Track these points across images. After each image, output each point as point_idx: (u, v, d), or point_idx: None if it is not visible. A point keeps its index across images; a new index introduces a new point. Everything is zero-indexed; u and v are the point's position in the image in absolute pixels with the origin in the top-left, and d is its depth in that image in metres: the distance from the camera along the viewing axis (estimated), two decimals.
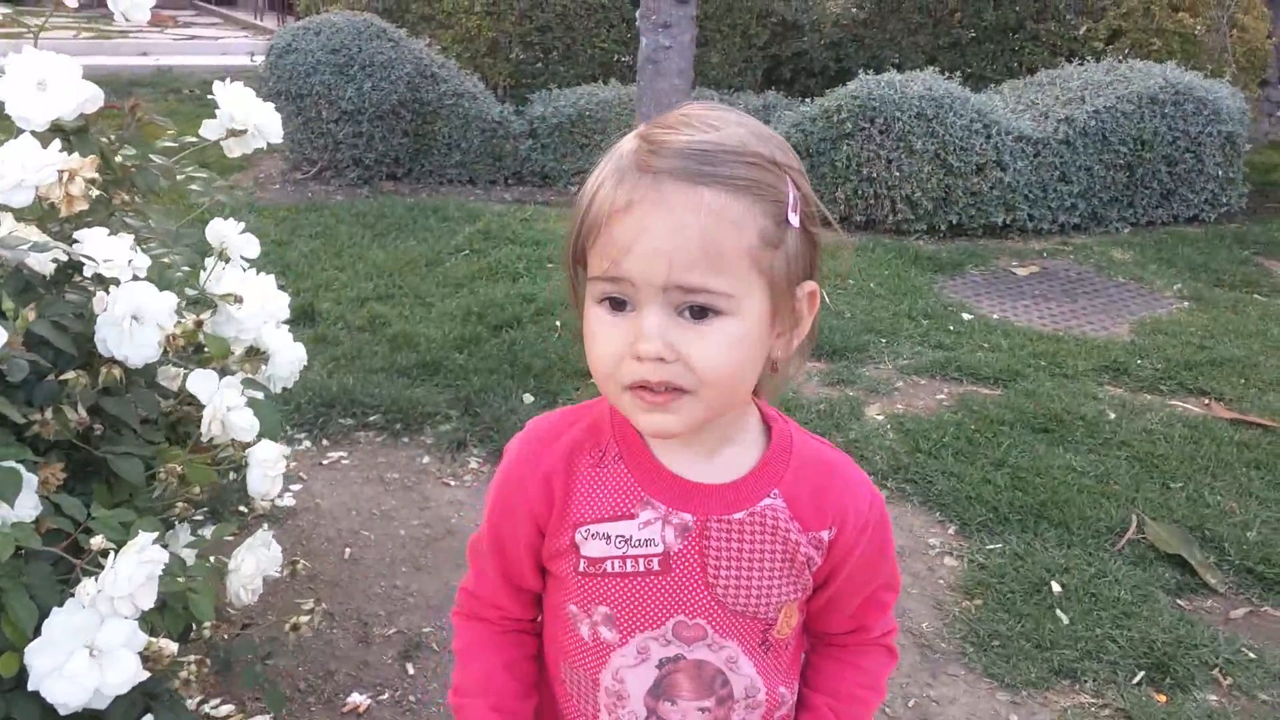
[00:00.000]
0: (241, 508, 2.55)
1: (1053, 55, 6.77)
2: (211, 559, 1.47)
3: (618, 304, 0.75)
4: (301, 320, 3.53)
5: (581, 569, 0.86)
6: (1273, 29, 7.03)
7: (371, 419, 2.92)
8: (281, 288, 4.03)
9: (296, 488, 2.57)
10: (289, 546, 2.32)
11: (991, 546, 2.41)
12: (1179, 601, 2.24)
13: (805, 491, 0.86)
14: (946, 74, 5.20)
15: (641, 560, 0.84)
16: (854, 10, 7.09)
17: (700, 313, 0.74)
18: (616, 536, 0.84)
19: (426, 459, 2.75)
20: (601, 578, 0.85)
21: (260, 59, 5.80)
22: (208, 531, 2.15)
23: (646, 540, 0.84)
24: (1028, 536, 2.44)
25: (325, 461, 2.71)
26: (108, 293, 1.18)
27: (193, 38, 12.21)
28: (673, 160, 0.73)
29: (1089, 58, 6.00)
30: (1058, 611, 2.15)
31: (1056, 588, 2.24)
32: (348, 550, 2.34)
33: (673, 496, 0.84)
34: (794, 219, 0.76)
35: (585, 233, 0.77)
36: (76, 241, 1.22)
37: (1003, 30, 6.91)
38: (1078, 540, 2.42)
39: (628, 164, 0.75)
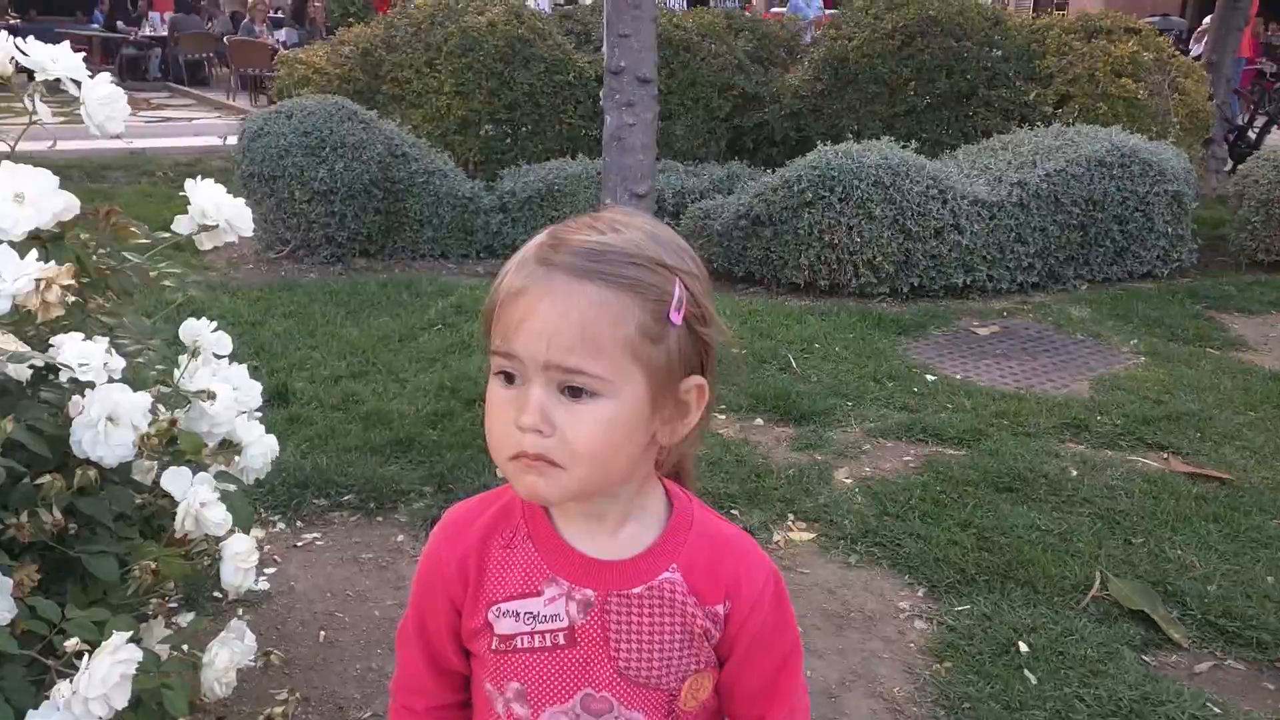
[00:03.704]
0: (216, 593, 2.55)
1: (1005, 120, 7.02)
2: (185, 647, 1.48)
3: (509, 378, 0.82)
4: (275, 401, 3.55)
5: (494, 647, 0.90)
6: (1212, 91, 7.33)
7: (345, 499, 2.93)
8: (255, 368, 4.06)
9: (271, 571, 2.58)
10: (264, 631, 2.32)
11: (960, 608, 2.45)
12: (1144, 658, 2.28)
13: (701, 566, 0.90)
14: (903, 141, 5.37)
15: (548, 635, 0.89)
16: (812, 82, 7.32)
17: (575, 393, 0.80)
18: (525, 613, 0.89)
19: (400, 537, 2.76)
20: (513, 654, 0.90)
21: (233, 140, 5.90)
22: (183, 619, 2.16)
23: (552, 615, 0.89)
24: (995, 597, 2.48)
25: (299, 543, 2.72)
26: (83, 395, 1.22)
27: (165, 120, 12.33)
28: (567, 256, 0.81)
29: (1039, 122, 6.22)
30: (1026, 672, 2.19)
31: (1024, 647, 2.27)
32: (323, 633, 2.34)
33: (575, 573, 0.89)
34: (675, 318, 0.82)
35: (489, 312, 0.84)
36: (52, 346, 1.26)
37: (956, 97, 7.16)
38: (1044, 599, 2.47)
39: (530, 256, 0.83)
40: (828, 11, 14.22)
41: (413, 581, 0.98)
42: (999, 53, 7.08)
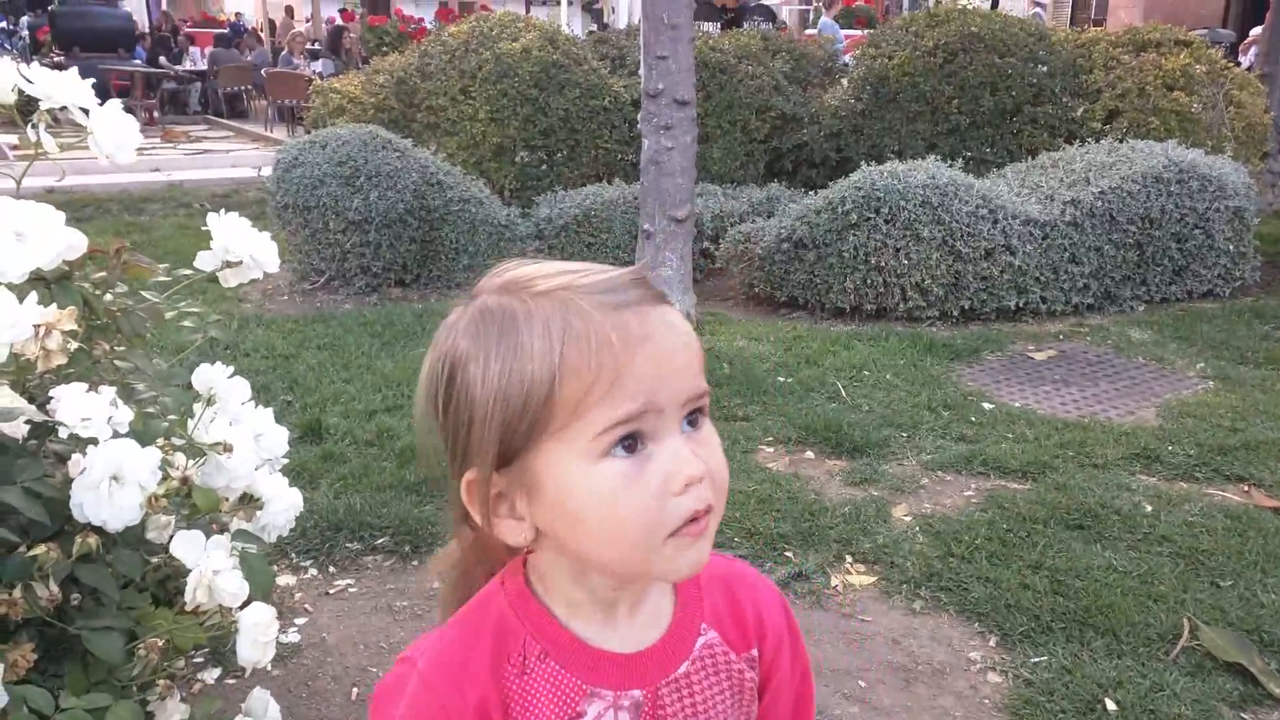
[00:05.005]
0: None
1: (1052, 137, 6.82)
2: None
3: (632, 447, 0.68)
4: (308, 437, 3.45)
5: None
6: (1269, 103, 7.08)
7: (380, 541, 2.81)
8: (288, 403, 3.93)
9: (301, 621, 2.46)
10: (294, 688, 2.20)
11: (1036, 659, 2.27)
12: (1243, 715, 2.09)
13: (725, 614, 0.81)
14: (948, 160, 5.21)
15: None
16: (852, 101, 7.18)
17: (695, 419, 0.71)
18: None
19: (437, 583, 2.63)
20: None
21: (268, 171, 5.87)
22: (209, 675, 2.02)
23: None
24: (1074, 647, 2.30)
25: (331, 590, 2.60)
26: (84, 454, 1.10)
27: (204, 151, 12.44)
28: (628, 293, 0.70)
29: (1088, 139, 6.02)
30: None
31: (1111, 705, 2.09)
32: (355, 690, 2.21)
33: (617, 678, 0.75)
34: None
35: (564, 400, 0.67)
36: (52, 398, 1.14)
37: (1001, 115, 6.98)
38: (1128, 649, 2.28)
39: (586, 311, 0.68)
40: (850, 31, 14.12)
41: None
42: (1044, 68, 6.88)
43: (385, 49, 11.34)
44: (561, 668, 0.75)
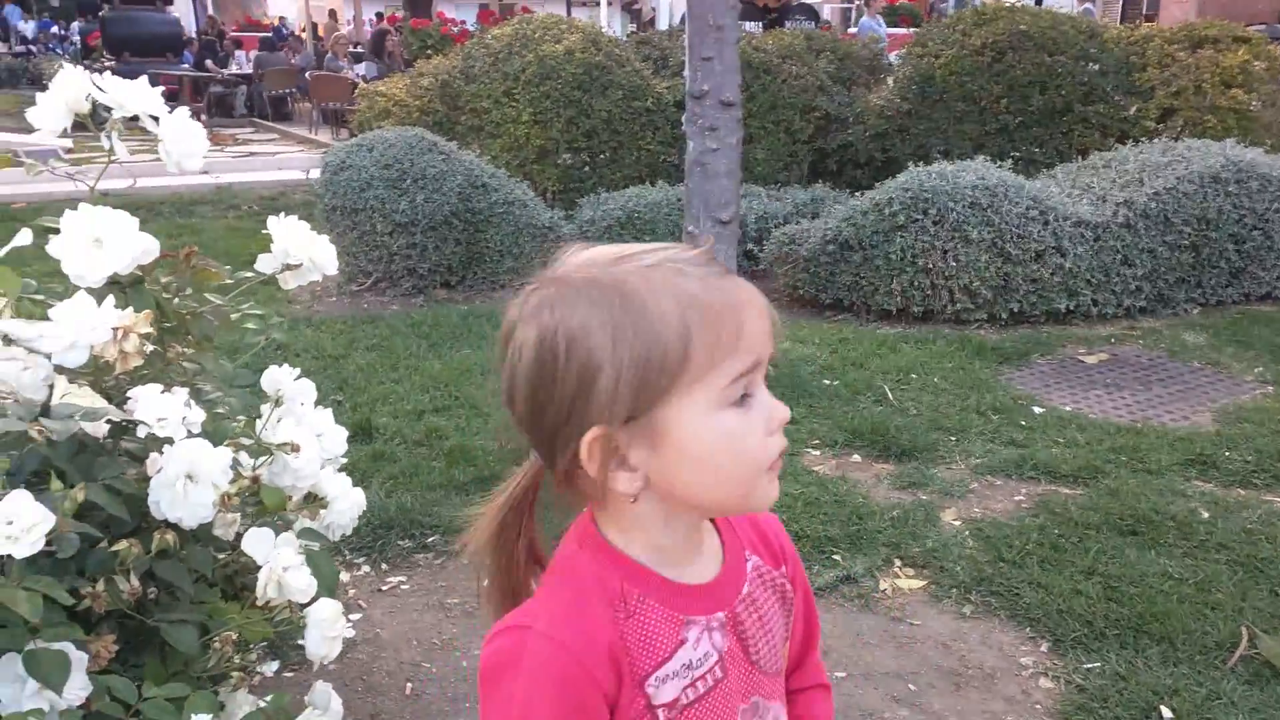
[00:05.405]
0: (301, 640, 2.47)
1: (1104, 137, 6.71)
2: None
3: (745, 397, 0.78)
4: (359, 436, 3.50)
5: (663, 718, 0.84)
6: None
7: (430, 540, 2.85)
8: (339, 403, 3.98)
9: (356, 617, 2.50)
10: (350, 682, 2.24)
11: (1090, 665, 2.24)
12: None
13: (757, 541, 0.93)
14: (996, 161, 5.15)
15: (709, 675, 0.85)
16: (898, 101, 7.12)
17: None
18: (680, 668, 0.84)
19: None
20: (681, 713, 0.84)
21: (315, 174, 5.96)
22: (267, 668, 2.06)
23: (704, 656, 0.85)
24: (1128, 654, 2.27)
25: (384, 587, 2.64)
26: (161, 452, 1.13)
27: (251, 154, 12.65)
28: (715, 267, 0.80)
29: (1141, 138, 5.92)
30: None
31: (1167, 713, 2.06)
32: (409, 685, 2.24)
33: (703, 605, 0.86)
34: None
35: (695, 357, 0.76)
36: (129, 398, 1.18)
37: (1050, 114, 6.88)
38: (1184, 657, 2.24)
39: (700, 278, 0.78)
40: (895, 30, 14.00)
41: (532, 713, 0.78)
42: (1096, 66, 6.78)
43: (429, 51, 11.44)
44: (660, 604, 0.83)
